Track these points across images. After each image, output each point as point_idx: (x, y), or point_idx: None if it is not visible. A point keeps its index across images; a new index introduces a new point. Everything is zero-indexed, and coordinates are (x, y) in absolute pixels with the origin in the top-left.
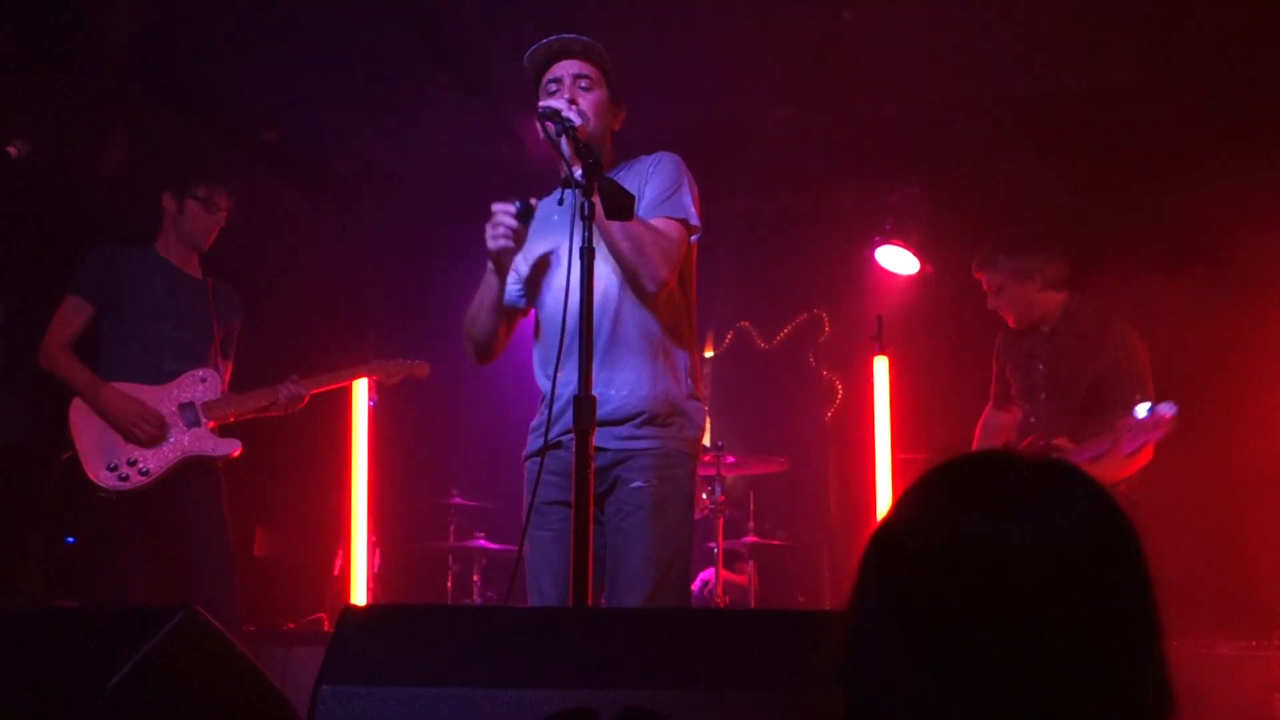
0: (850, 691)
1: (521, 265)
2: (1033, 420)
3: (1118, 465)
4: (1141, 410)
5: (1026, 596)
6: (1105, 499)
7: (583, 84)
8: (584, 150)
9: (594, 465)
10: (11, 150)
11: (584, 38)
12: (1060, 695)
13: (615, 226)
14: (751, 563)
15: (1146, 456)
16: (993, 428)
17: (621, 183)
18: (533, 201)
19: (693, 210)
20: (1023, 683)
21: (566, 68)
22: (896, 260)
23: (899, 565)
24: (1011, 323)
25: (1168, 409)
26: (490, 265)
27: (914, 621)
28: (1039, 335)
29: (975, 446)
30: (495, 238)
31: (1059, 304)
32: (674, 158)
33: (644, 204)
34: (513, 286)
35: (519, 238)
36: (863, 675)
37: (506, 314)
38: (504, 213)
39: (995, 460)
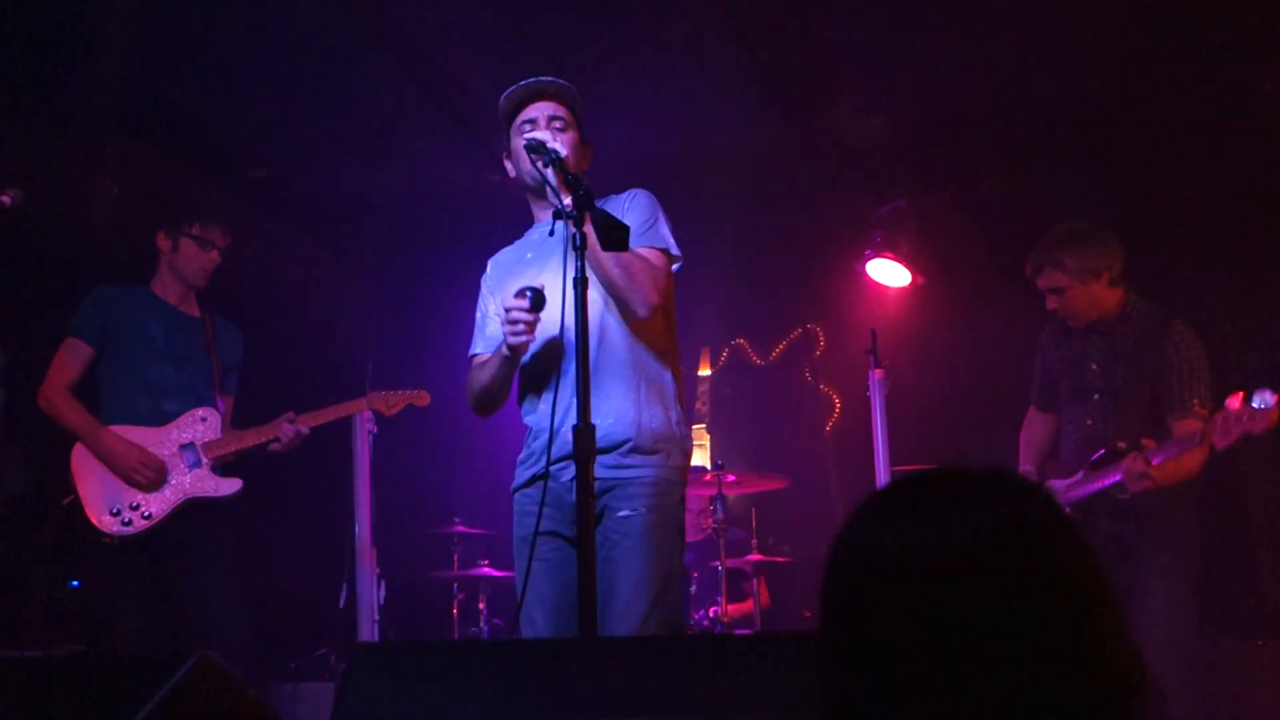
0: (823, 712)
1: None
2: (1089, 423)
3: (1196, 461)
4: (1258, 399)
5: (931, 603)
6: (1013, 501)
7: (557, 124)
8: (572, 181)
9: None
10: (5, 199)
11: (559, 80)
12: (984, 701)
13: (607, 255)
14: (756, 581)
15: (1196, 471)
16: (1036, 431)
17: None
18: (540, 286)
19: (671, 240)
20: (942, 691)
21: (541, 109)
22: (888, 273)
23: (826, 583)
24: (1072, 324)
25: (1269, 397)
26: (504, 350)
27: (839, 636)
28: (1093, 335)
29: (1022, 452)
30: (516, 334)
31: (1118, 302)
32: (647, 193)
33: None
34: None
35: (533, 327)
36: (821, 695)
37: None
38: (519, 309)
39: (912, 476)
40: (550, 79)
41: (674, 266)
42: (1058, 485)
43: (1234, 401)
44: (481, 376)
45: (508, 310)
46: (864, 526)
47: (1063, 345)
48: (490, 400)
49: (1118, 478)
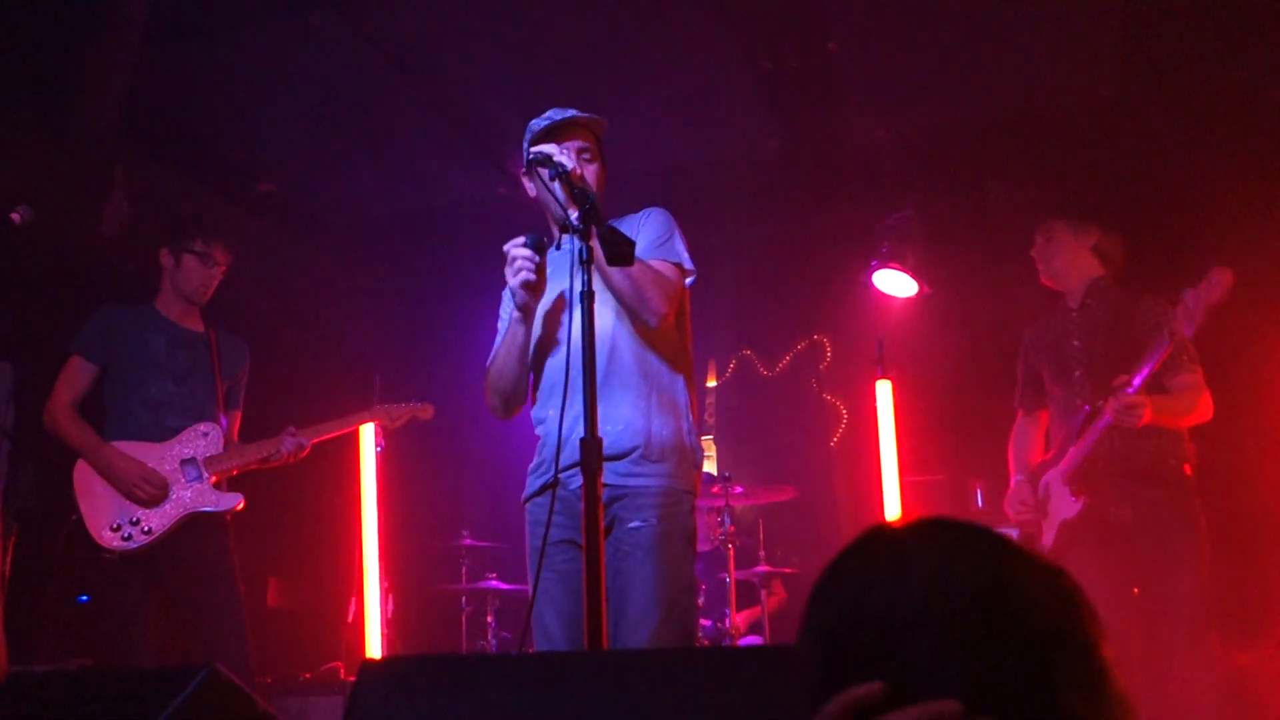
0: None
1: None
2: (1077, 403)
3: (1193, 399)
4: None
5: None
6: (989, 557)
7: (585, 156)
8: (579, 194)
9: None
10: (15, 216)
11: (594, 115)
12: None
13: (615, 269)
14: (763, 592)
15: (1206, 413)
16: (1025, 437)
17: None
18: (544, 238)
19: (686, 255)
20: None
21: (571, 141)
22: (894, 283)
23: (814, 640)
24: (1045, 279)
25: (1218, 273)
26: (514, 313)
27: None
28: (1066, 314)
29: (1010, 461)
30: (517, 272)
31: (1092, 276)
32: (663, 211)
33: (639, 253)
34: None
35: (540, 271)
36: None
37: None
38: (516, 246)
39: (883, 533)
40: (587, 114)
41: (687, 280)
42: (1053, 474)
43: (1189, 291)
44: (498, 352)
45: (506, 253)
46: (851, 588)
47: (1044, 334)
48: (509, 384)
49: (1106, 419)
